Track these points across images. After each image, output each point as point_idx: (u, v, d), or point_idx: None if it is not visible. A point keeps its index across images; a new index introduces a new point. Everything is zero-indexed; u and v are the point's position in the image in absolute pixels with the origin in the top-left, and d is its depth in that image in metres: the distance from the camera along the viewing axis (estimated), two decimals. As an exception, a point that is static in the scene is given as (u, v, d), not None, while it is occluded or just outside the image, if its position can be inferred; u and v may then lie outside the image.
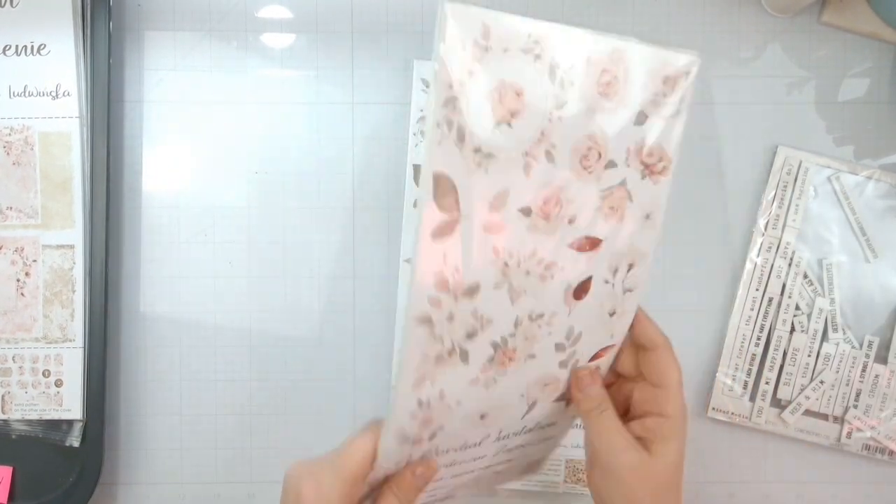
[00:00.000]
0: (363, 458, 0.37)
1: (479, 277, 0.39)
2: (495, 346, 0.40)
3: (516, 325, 0.41)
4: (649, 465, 0.39)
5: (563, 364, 0.44)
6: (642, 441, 0.39)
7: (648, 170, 0.42)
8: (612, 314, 0.43)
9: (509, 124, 0.38)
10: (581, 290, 0.42)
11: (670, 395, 0.39)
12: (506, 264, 0.39)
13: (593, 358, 0.44)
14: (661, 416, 0.39)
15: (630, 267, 0.43)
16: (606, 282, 0.42)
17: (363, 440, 0.38)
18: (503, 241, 0.40)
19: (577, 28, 0.39)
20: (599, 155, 0.40)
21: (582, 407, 0.41)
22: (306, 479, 0.37)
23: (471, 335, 0.39)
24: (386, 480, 0.40)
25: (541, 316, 0.41)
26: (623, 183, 0.41)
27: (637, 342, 0.42)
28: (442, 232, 0.38)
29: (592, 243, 0.41)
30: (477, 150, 0.37)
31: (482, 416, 0.43)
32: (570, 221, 0.40)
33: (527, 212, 0.40)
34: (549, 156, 0.39)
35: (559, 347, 0.43)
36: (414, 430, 0.40)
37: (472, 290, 0.39)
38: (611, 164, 0.41)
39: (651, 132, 0.41)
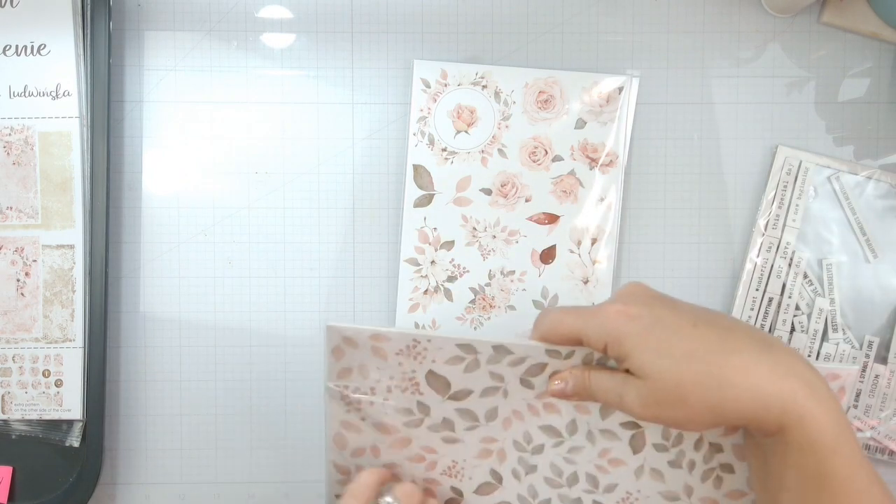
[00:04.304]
0: None
1: (453, 236, 0.55)
2: (474, 291, 0.55)
3: (490, 276, 0.55)
4: (644, 386, 0.37)
5: None
6: (629, 371, 0.38)
7: (594, 162, 0.55)
8: (585, 282, 0.55)
9: (467, 132, 0.55)
10: (547, 255, 0.55)
11: (588, 339, 0.38)
12: (474, 228, 0.55)
13: None
14: (605, 349, 0.38)
15: (594, 241, 0.55)
16: (571, 252, 0.55)
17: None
18: (470, 211, 0.55)
19: (513, 67, 0.55)
20: (546, 151, 0.54)
21: (582, 399, 0.41)
22: None
23: (451, 279, 0.55)
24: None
25: (512, 272, 0.55)
26: (572, 172, 0.55)
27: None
28: (421, 202, 0.55)
29: (551, 218, 0.55)
30: (444, 150, 0.55)
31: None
32: (527, 200, 0.55)
33: (487, 192, 0.55)
34: (501, 153, 0.55)
35: (538, 305, 0.55)
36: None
37: (447, 245, 0.55)
38: (557, 158, 0.55)
39: (591, 134, 0.55)
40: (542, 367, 0.42)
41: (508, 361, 0.42)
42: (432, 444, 0.45)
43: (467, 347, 0.41)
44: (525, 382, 0.43)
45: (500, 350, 0.41)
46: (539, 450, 0.45)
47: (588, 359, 0.42)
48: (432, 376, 0.43)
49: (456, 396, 0.43)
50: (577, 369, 0.41)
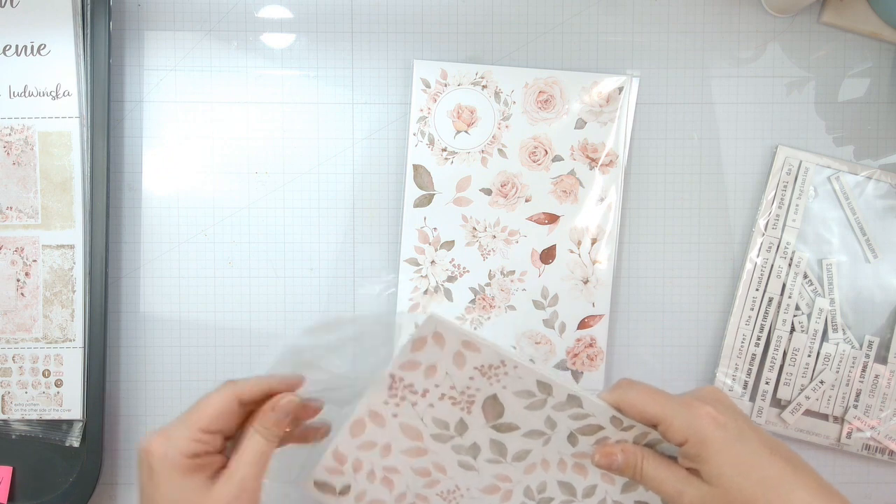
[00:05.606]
0: (215, 411, 0.39)
1: (453, 236, 0.55)
2: (474, 291, 0.55)
3: (490, 276, 0.55)
4: (710, 492, 0.38)
5: (547, 323, 0.56)
6: (694, 471, 0.39)
7: (594, 162, 0.55)
8: (585, 282, 0.55)
9: (467, 132, 0.55)
10: (547, 255, 0.55)
11: (669, 427, 0.39)
12: (474, 228, 0.55)
13: (582, 326, 0.56)
14: (684, 443, 0.39)
15: (594, 241, 0.55)
16: (571, 252, 0.55)
17: (216, 395, 0.40)
18: (470, 211, 0.55)
19: (513, 67, 0.55)
20: (546, 151, 0.55)
21: (626, 476, 0.41)
22: (155, 435, 0.39)
23: (451, 279, 0.55)
24: (248, 419, 0.41)
25: (512, 272, 0.55)
26: (572, 172, 0.55)
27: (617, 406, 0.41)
28: (421, 202, 0.55)
29: (551, 218, 0.55)
30: (444, 150, 0.55)
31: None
32: (527, 200, 0.55)
33: (487, 192, 0.55)
34: (501, 153, 0.55)
35: (538, 305, 0.55)
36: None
37: (447, 245, 0.55)
38: (557, 158, 0.55)
39: (591, 134, 0.56)
40: (598, 428, 0.41)
41: (571, 413, 0.41)
42: (446, 464, 0.43)
43: (545, 387, 0.40)
44: (572, 438, 0.42)
45: (572, 400, 0.40)
46: (546, 502, 0.44)
47: (639, 438, 0.41)
48: (492, 401, 0.41)
49: (500, 427, 0.42)
50: (630, 447, 0.41)
